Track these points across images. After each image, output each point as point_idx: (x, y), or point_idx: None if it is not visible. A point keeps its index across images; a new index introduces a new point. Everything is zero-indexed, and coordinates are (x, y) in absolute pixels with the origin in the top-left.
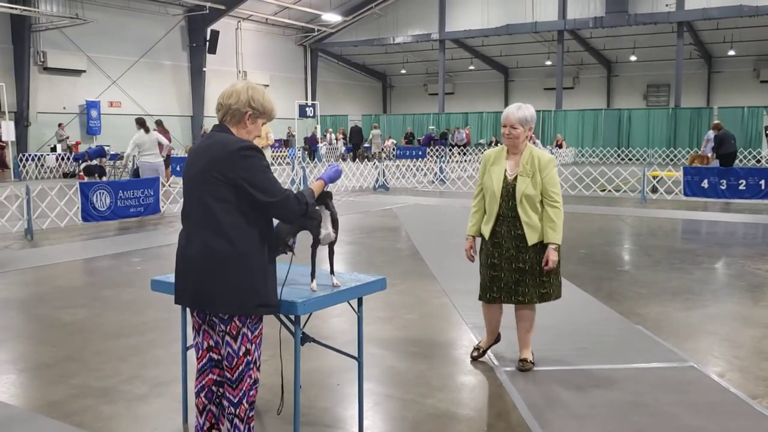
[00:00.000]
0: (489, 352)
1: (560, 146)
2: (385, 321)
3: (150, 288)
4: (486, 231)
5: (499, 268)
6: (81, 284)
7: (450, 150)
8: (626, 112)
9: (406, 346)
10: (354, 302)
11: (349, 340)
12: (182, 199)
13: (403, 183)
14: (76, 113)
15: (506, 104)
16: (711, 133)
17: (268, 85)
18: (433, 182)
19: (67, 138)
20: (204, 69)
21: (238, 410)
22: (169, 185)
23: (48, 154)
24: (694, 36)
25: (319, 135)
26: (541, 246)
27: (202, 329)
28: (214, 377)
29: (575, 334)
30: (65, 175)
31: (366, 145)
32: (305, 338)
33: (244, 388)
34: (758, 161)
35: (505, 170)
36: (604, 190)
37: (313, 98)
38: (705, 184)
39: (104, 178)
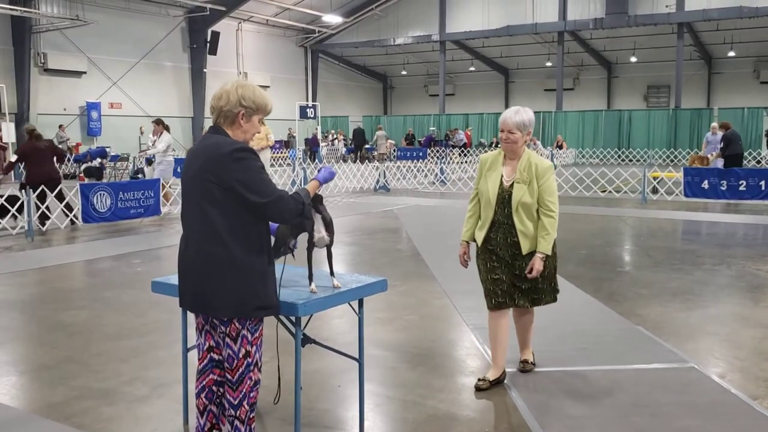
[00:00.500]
0: (489, 352)
1: (561, 147)
2: (385, 322)
3: (151, 290)
4: (479, 237)
5: (500, 270)
6: (81, 286)
7: (450, 151)
8: (626, 113)
9: (406, 347)
10: (355, 303)
11: (350, 342)
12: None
13: (404, 184)
14: (77, 114)
15: (507, 105)
16: (709, 135)
17: (268, 86)
18: (434, 183)
19: (68, 140)
20: (204, 70)
21: (238, 412)
22: (170, 186)
23: None
24: (694, 37)
25: (319, 136)
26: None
27: (204, 330)
28: (215, 377)
29: (575, 335)
30: (66, 177)
31: (368, 146)
32: (306, 340)
33: (244, 390)
34: (758, 162)
35: (502, 176)
36: (604, 191)
37: (314, 99)
38: (705, 185)
39: (103, 180)
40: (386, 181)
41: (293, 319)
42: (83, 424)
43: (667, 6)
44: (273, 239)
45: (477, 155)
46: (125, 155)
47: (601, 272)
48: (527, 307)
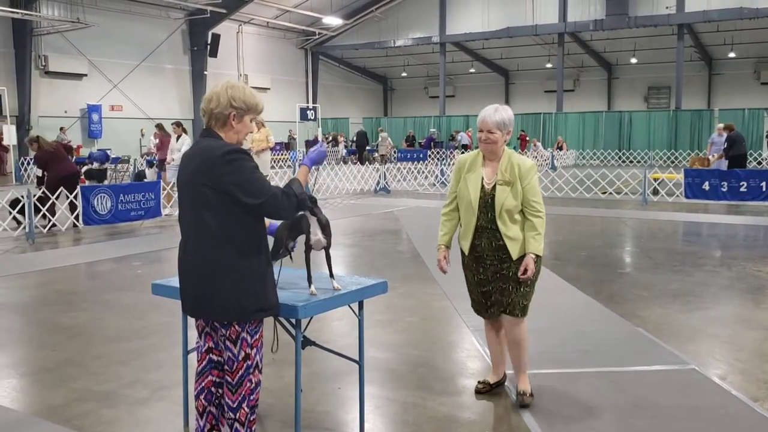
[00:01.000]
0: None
1: (561, 148)
2: (386, 324)
3: (151, 292)
4: (465, 246)
5: (487, 282)
6: (82, 288)
7: (451, 153)
8: (627, 115)
9: (407, 349)
10: (355, 305)
11: (350, 344)
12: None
13: (404, 186)
14: (78, 117)
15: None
16: (715, 136)
17: (269, 88)
18: (434, 185)
19: (69, 142)
20: (205, 72)
21: (237, 414)
22: (170, 189)
23: None
24: (695, 38)
25: (320, 137)
26: (522, 258)
27: (204, 332)
28: (214, 379)
29: (576, 337)
30: None
31: (369, 147)
32: (306, 342)
33: (243, 393)
34: (759, 163)
35: (482, 178)
36: (605, 193)
37: (314, 101)
38: (706, 186)
39: (105, 182)
40: (386, 182)
41: (293, 321)
42: (83, 426)
43: (667, 7)
44: (271, 241)
45: None
46: (126, 157)
47: (601, 274)
48: (518, 316)
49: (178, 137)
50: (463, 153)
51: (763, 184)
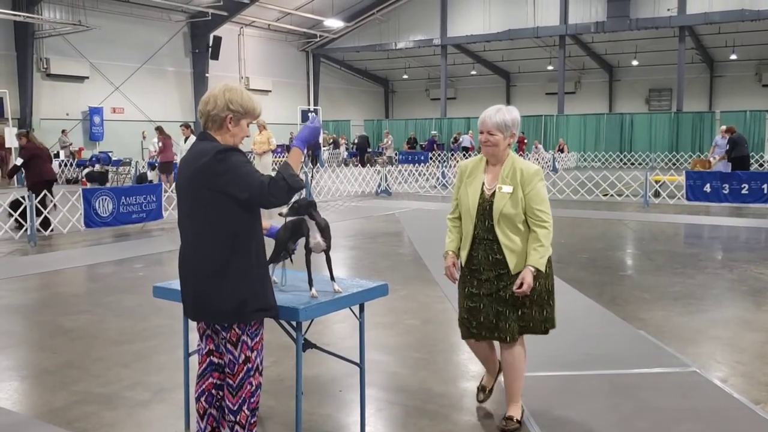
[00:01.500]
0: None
1: (562, 151)
2: (387, 327)
3: (152, 294)
4: (463, 256)
5: (478, 299)
6: (83, 290)
7: (454, 155)
8: (628, 117)
9: (408, 351)
10: (356, 308)
11: (351, 346)
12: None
13: (405, 188)
14: (79, 119)
15: None
16: (718, 138)
17: (270, 91)
18: (435, 187)
19: (70, 144)
20: (207, 75)
21: (238, 417)
22: (172, 191)
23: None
24: (696, 40)
25: (321, 139)
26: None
27: (205, 334)
28: (214, 381)
29: (577, 339)
30: (68, 182)
31: (371, 150)
32: (307, 344)
33: (243, 395)
34: (761, 165)
35: (483, 184)
36: (606, 195)
37: (316, 103)
38: (707, 188)
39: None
40: (388, 184)
41: (294, 323)
42: (85, 429)
43: (668, 9)
44: (272, 244)
45: None
46: (127, 160)
47: (603, 276)
48: (515, 338)
49: (186, 138)
50: (464, 155)
51: (765, 186)
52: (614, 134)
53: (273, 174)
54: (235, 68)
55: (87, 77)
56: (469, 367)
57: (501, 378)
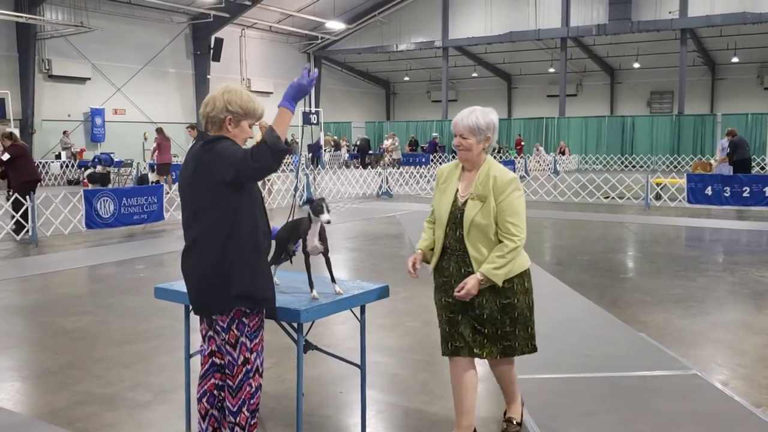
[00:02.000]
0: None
1: (563, 153)
2: (388, 328)
3: (154, 295)
4: (433, 262)
5: (456, 310)
6: (85, 291)
7: (454, 157)
8: (630, 119)
9: (409, 353)
10: (357, 310)
11: (352, 348)
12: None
13: (407, 190)
14: (81, 121)
15: (510, 111)
16: (724, 141)
17: (272, 93)
18: None
19: (72, 146)
20: (208, 76)
21: (238, 418)
22: (173, 192)
23: (52, 162)
24: (698, 43)
25: (322, 141)
26: (500, 289)
27: (207, 335)
28: (216, 382)
29: (578, 342)
30: (69, 183)
31: (371, 152)
32: (308, 346)
33: (243, 397)
34: (762, 168)
35: (457, 190)
36: (607, 197)
37: (317, 105)
38: (709, 191)
39: (109, 185)
40: (389, 187)
41: (295, 325)
42: (86, 429)
43: (670, 12)
44: (272, 246)
45: None
46: (129, 161)
47: (604, 279)
48: (496, 358)
49: (194, 140)
50: None
51: (766, 189)
52: (615, 137)
53: (274, 177)
54: (236, 70)
55: (89, 78)
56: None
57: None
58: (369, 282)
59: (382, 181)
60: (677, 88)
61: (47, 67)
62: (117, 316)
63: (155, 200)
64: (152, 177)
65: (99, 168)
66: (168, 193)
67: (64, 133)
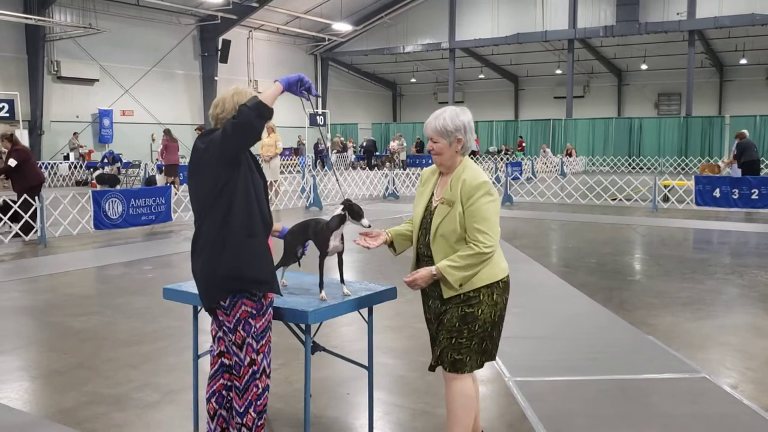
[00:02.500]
0: (498, 360)
1: (570, 155)
2: (395, 330)
3: (162, 296)
4: (410, 269)
5: (430, 323)
6: (93, 292)
7: None
8: (637, 121)
9: (416, 355)
10: (364, 311)
11: (359, 349)
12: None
13: (413, 191)
14: (89, 122)
15: (516, 113)
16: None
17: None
18: None
19: (82, 147)
20: (216, 78)
21: (245, 419)
22: (181, 193)
23: (61, 163)
24: (706, 44)
25: (329, 143)
26: (465, 296)
27: (217, 336)
28: (225, 382)
29: (586, 344)
30: (78, 183)
31: (378, 153)
32: (315, 347)
33: (249, 398)
34: None
35: (432, 194)
36: (614, 199)
37: (324, 107)
38: (717, 193)
39: (117, 187)
40: (395, 188)
41: (303, 326)
42: (94, 429)
43: (678, 13)
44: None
45: (485, 162)
46: (137, 162)
47: (611, 281)
48: (445, 368)
49: None
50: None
51: None
52: (623, 138)
53: (281, 178)
54: (243, 71)
55: (97, 80)
56: (476, 371)
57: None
58: (376, 284)
59: (388, 182)
60: (685, 89)
61: (56, 69)
62: (125, 316)
63: (163, 201)
64: (160, 179)
65: (108, 169)
66: (176, 194)
67: (75, 134)
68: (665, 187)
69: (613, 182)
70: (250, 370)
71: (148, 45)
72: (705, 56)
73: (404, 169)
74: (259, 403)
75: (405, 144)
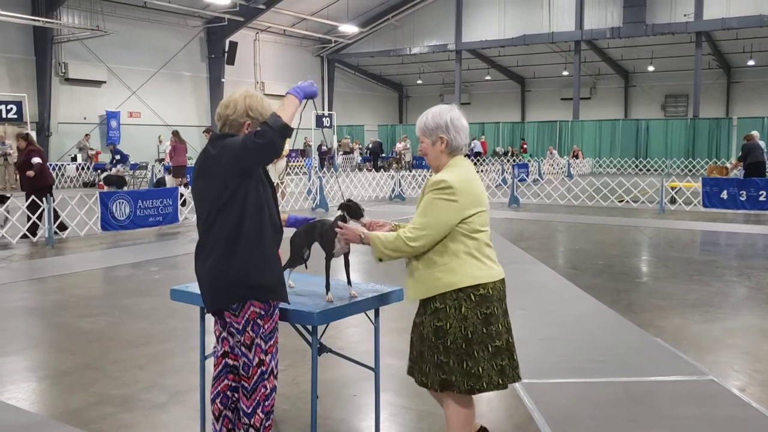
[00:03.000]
0: None
1: (577, 157)
2: (401, 332)
3: (169, 297)
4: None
5: (411, 332)
6: (100, 293)
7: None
8: (644, 123)
9: None
10: (371, 313)
11: (366, 351)
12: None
13: (419, 193)
14: (96, 123)
15: (523, 114)
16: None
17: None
18: None
19: (91, 148)
20: (223, 80)
21: (252, 420)
22: (188, 195)
23: (68, 164)
24: (713, 46)
25: (335, 144)
26: (433, 309)
27: (221, 337)
28: (229, 383)
29: (593, 346)
30: (85, 185)
31: (384, 155)
32: (322, 348)
33: (257, 398)
34: None
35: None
36: (621, 201)
37: (330, 108)
38: (724, 195)
39: (125, 188)
40: (401, 189)
41: (309, 328)
42: (101, 430)
43: (685, 15)
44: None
45: (492, 164)
46: (144, 164)
47: (618, 283)
48: (433, 386)
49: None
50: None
51: None
52: (630, 140)
53: (287, 180)
54: (250, 73)
55: (104, 82)
56: None
57: None
58: (383, 285)
59: (394, 184)
60: (692, 91)
61: (63, 71)
62: (132, 317)
63: (170, 203)
64: (169, 181)
65: (115, 170)
66: (183, 195)
67: (86, 136)
68: (672, 188)
69: (620, 184)
70: (259, 371)
71: (156, 47)
72: (712, 58)
73: (410, 171)
74: (267, 403)
75: (410, 146)
